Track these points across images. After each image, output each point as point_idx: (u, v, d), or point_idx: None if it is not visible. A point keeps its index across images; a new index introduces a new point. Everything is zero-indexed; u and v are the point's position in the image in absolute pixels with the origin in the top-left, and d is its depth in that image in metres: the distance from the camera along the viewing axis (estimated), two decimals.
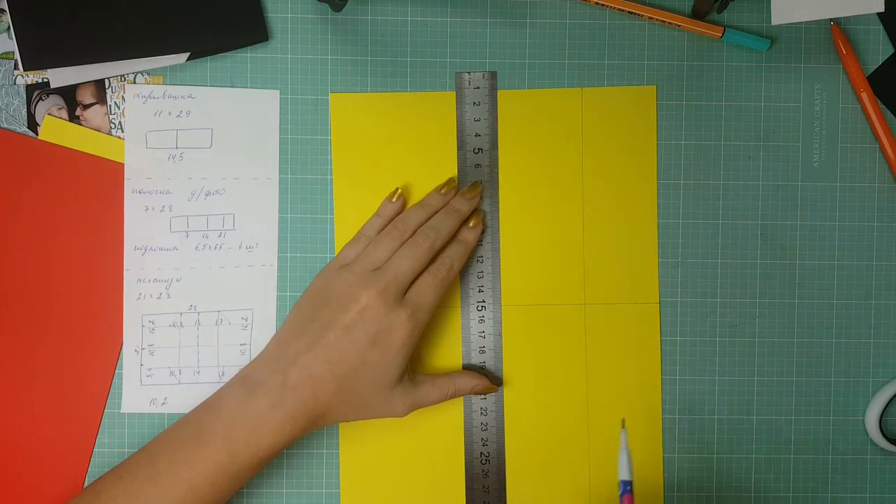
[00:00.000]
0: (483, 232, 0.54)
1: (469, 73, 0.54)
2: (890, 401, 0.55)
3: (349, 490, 0.54)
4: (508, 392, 0.55)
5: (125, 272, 0.54)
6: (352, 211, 0.54)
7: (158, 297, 0.54)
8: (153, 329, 0.54)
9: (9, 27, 0.53)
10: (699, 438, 0.55)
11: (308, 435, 0.54)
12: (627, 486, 0.50)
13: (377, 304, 0.49)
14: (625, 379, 0.55)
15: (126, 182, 0.54)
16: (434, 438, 0.55)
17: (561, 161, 0.55)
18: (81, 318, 0.54)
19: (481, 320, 0.55)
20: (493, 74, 0.54)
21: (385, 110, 0.54)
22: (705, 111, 0.55)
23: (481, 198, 0.54)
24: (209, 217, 0.54)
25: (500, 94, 0.54)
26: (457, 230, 0.53)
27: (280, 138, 0.54)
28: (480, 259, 0.55)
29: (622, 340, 0.55)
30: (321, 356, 0.48)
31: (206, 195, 0.54)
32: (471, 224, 0.53)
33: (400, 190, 0.54)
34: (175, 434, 0.49)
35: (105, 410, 0.54)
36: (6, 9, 0.52)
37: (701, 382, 0.55)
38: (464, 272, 0.55)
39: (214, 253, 0.54)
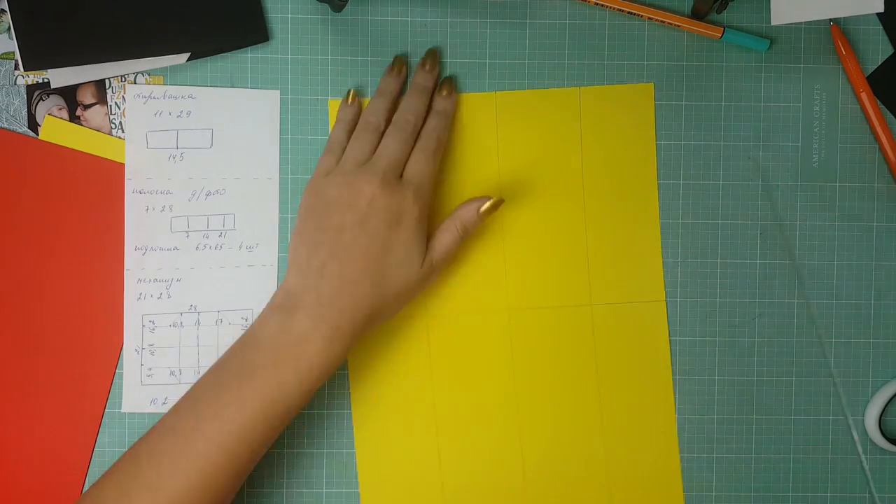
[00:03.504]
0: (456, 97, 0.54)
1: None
2: (889, 401, 0.55)
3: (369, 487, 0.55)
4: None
5: (125, 272, 0.54)
6: None
7: (159, 297, 0.54)
8: (153, 329, 0.54)
9: (9, 27, 0.53)
10: (699, 438, 0.55)
11: (319, 429, 0.54)
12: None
13: (382, 191, 0.48)
14: (636, 378, 0.55)
15: (126, 182, 0.54)
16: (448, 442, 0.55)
17: (560, 161, 0.55)
18: (81, 318, 0.54)
19: None
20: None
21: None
22: (705, 111, 0.55)
23: (440, 65, 0.54)
24: (209, 217, 0.54)
25: (497, 95, 0.54)
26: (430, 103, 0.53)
27: (280, 138, 0.54)
28: None
29: (631, 340, 0.55)
30: (345, 257, 0.48)
31: (207, 195, 0.54)
32: (444, 93, 0.53)
33: (353, 91, 0.53)
34: (215, 377, 0.46)
35: (105, 410, 0.54)
36: (6, 9, 0.52)
37: (700, 382, 0.55)
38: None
39: (215, 253, 0.54)
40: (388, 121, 0.52)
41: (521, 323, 0.55)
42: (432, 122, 0.52)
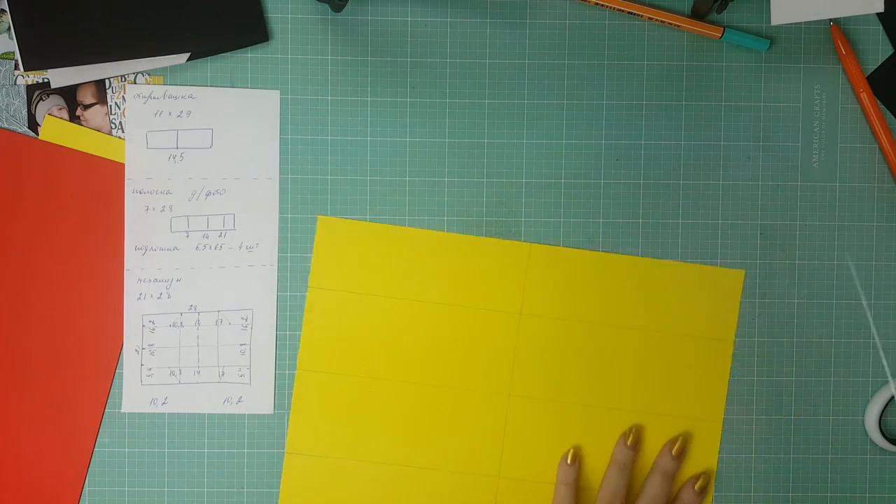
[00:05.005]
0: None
1: None
2: (889, 401, 0.55)
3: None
4: None
5: (125, 272, 0.54)
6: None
7: (159, 297, 0.54)
8: (153, 329, 0.54)
9: (9, 27, 0.53)
10: None
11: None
12: None
13: None
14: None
15: (126, 182, 0.54)
16: None
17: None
18: (81, 318, 0.54)
19: None
20: None
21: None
22: (705, 111, 0.55)
23: (686, 451, 0.54)
24: (209, 217, 0.54)
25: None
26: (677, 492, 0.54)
27: (280, 138, 0.54)
28: None
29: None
30: None
31: (207, 195, 0.54)
32: (696, 487, 0.53)
33: (573, 451, 0.53)
34: None
35: (105, 410, 0.54)
36: (6, 9, 0.52)
37: None
38: None
39: (214, 253, 0.54)
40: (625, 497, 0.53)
41: (520, 408, 0.54)
42: None
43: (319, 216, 0.54)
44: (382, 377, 0.54)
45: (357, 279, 0.54)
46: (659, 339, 0.55)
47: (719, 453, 0.55)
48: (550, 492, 0.54)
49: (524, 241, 0.54)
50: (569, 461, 0.53)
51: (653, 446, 0.54)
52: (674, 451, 0.53)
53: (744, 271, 0.55)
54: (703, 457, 0.54)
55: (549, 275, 0.55)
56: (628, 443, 0.53)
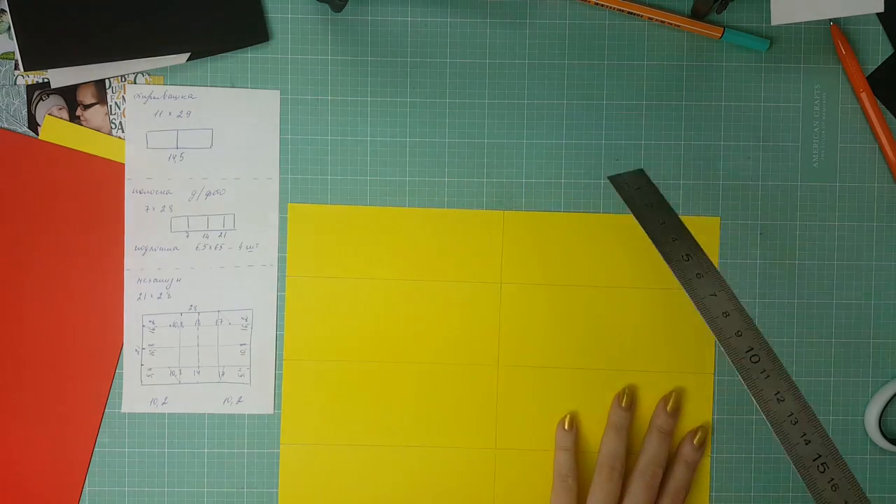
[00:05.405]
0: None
1: None
2: (889, 401, 0.55)
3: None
4: None
5: (125, 272, 0.54)
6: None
7: (159, 297, 0.54)
8: (153, 329, 0.54)
9: (9, 27, 0.53)
10: None
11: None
12: None
13: None
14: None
15: (126, 182, 0.54)
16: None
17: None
18: (81, 318, 0.54)
19: None
20: None
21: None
22: (705, 111, 0.55)
23: (680, 408, 0.54)
24: (209, 217, 0.54)
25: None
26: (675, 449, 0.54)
27: (280, 138, 0.54)
28: None
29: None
30: None
31: (207, 195, 0.54)
32: (696, 443, 0.53)
33: (570, 416, 0.54)
34: None
35: (105, 410, 0.54)
36: (6, 9, 0.52)
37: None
38: None
39: (214, 253, 0.54)
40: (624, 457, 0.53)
41: (510, 380, 0.54)
42: (681, 474, 0.53)
43: (290, 203, 0.54)
44: (370, 360, 0.54)
45: (333, 263, 0.54)
46: (642, 295, 0.55)
47: (719, 453, 0.55)
48: (549, 459, 0.54)
49: (496, 210, 0.55)
50: (566, 427, 0.53)
51: (647, 405, 0.55)
52: (668, 408, 0.53)
53: (719, 219, 0.55)
54: (698, 411, 0.55)
55: (526, 240, 0.54)
56: (623, 405, 0.53)
